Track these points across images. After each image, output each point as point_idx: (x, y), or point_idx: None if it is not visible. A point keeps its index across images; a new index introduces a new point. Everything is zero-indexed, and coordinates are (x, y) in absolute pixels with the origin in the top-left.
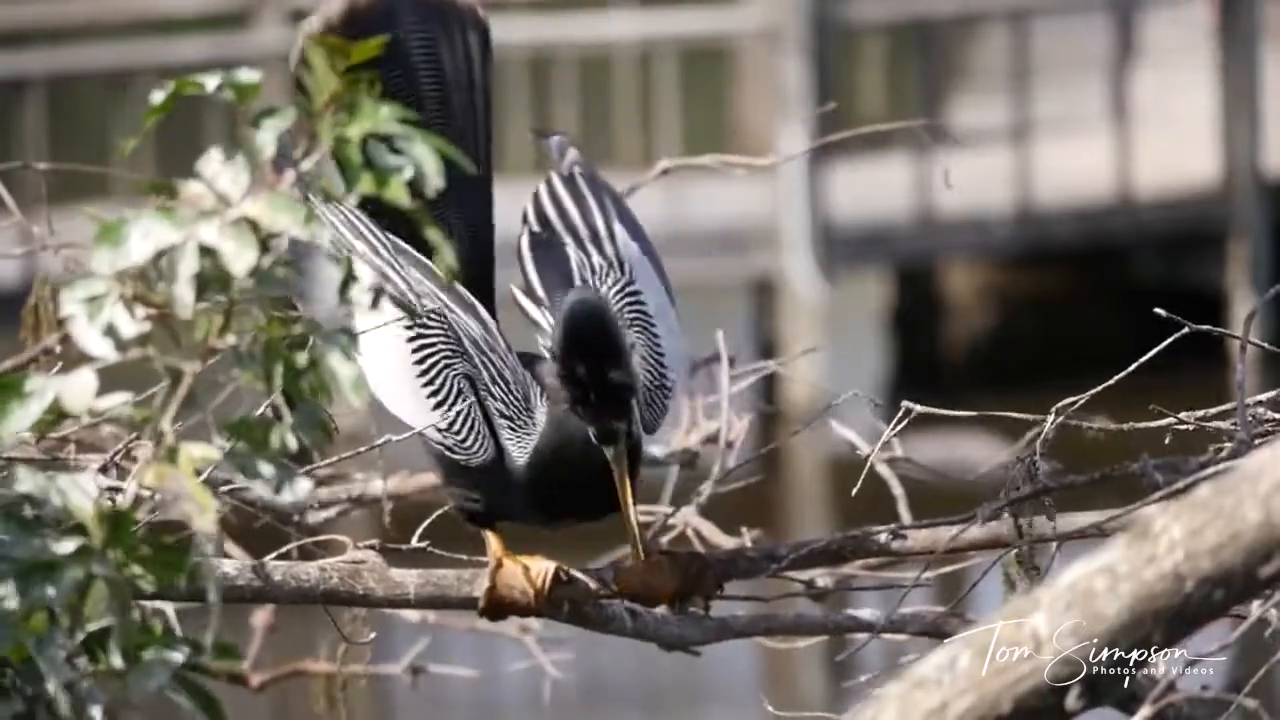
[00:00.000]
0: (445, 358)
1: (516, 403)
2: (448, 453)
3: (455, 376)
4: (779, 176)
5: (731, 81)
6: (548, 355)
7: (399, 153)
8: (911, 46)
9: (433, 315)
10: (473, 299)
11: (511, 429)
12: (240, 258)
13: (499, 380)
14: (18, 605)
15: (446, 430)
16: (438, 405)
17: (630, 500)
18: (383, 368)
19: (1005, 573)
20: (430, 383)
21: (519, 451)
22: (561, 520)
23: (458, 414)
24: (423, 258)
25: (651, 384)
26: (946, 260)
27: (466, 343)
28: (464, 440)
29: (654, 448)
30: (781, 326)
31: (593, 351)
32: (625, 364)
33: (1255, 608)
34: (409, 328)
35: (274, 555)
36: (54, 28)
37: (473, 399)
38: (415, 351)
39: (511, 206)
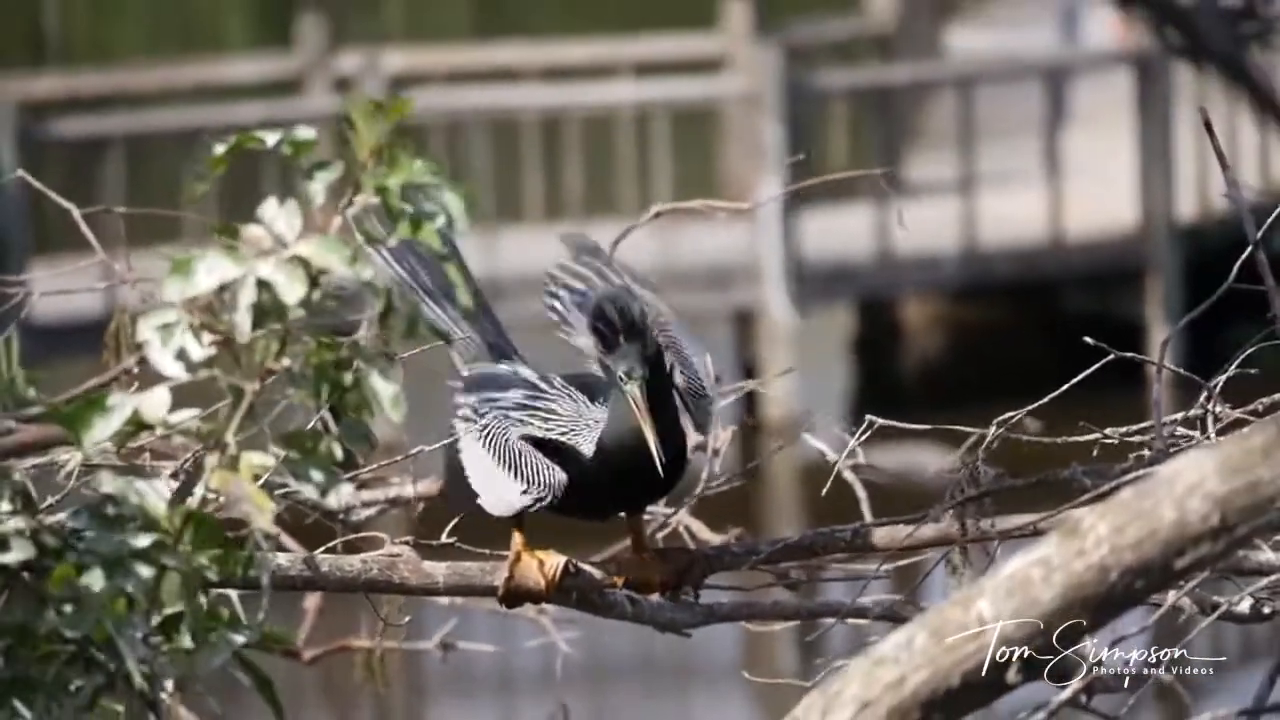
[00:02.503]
0: (502, 435)
1: (571, 419)
2: (540, 505)
3: (513, 445)
4: (758, 221)
5: (717, 139)
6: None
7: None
8: (872, 110)
9: (484, 418)
10: (514, 371)
11: (575, 435)
12: (291, 291)
13: (551, 415)
14: (101, 592)
15: (529, 489)
16: (515, 481)
17: (649, 426)
18: (484, 483)
19: (950, 564)
20: (505, 465)
21: (588, 448)
22: (624, 497)
23: (526, 471)
24: (481, 372)
25: (691, 391)
26: (903, 294)
27: (513, 413)
28: (540, 486)
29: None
30: (760, 351)
31: (616, 304)
32: (643, 314)
33: (1171, 595)
34: (481, 446)
35: (322, 549)
36: (132, 93)
37: (530, 450)
38: (488, 452)
39: (528, 248)
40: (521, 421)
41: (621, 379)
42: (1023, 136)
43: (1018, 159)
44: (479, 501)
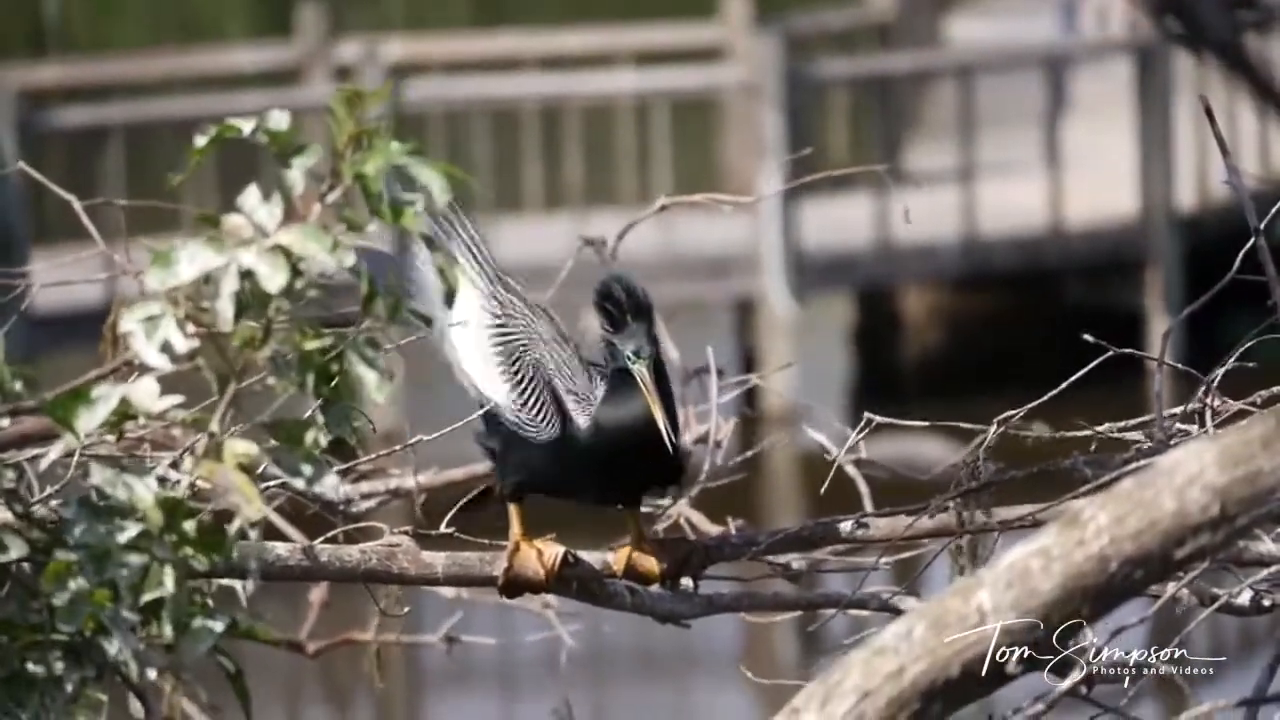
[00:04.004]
0: (521, 346)
1: (578, 383)
2: (520, 429)
3: (528, 363)
4: (758, 212)
5: (717, 129)
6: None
7: (414, 185)
8: (872, 99)
9: (514, 317)
10: (545, 308)
11: (575, 401)
12: (273, 279)
13: (565, 366)
14: (90, 584)
15: (520, 408)
16: (513, 385)
17: (658, 405)
18: (472, 353)
19: (953, 556)
20: (508, 366)
21: (584, 419)
22: (615, 481)
23: (528, 394)
24: (513, 283)
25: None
26: (902, 284)
27: (539, 340)
28: (535, 416)
29: None
30: (759, 341)
31: (622, 283)
32: (648, 295)
33: (1171, 587)
34: (497, 323)
35: (321, 540)
36: (132, 83)
37: (540, 380)
38: (498, 340)
39: (528, 238)
40: (542, 348)
41: (630, 358)
42: (1022, 126)
43: (1017, 149)
44: (456, 354)
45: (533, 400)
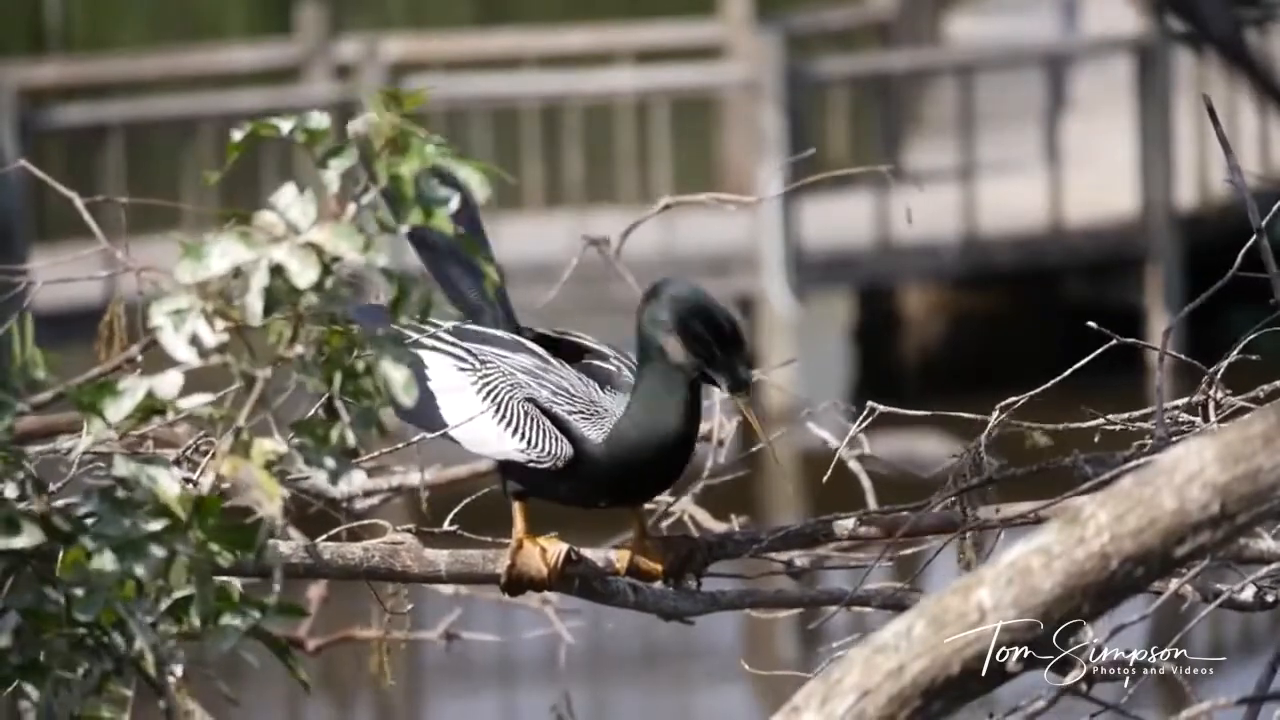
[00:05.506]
0: (506, 392)
1: (581, 401)
2: (534, 465)
3: (518, 403)
4: (759, 210)
5: (717, 127)
6: (604, 355)
7: (447, 184)
8: (872, 97)
9: (489, 365)
10: (520, 339)
11: (584, 419)
12: (304, 275)
13: (560, 391)
14: (111, 575)
15: (527, 449)
16: (513, 432)
17: (763, 433)
18: (462, 418)
19: (960, 553)
20: (501, 416)
21: (597, 434)
22: (624, 491)
23: (531, 432)
24: (481, 330)
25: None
26: (903, 282)
27: (521, 376)
28: (543, 450)
29: None
30: (760, 339)
31: (720, 310)
32: (738, 324)
33: (1172, 584)
34: (474, 384)
35: (324, 537)
36: (132, 81)
37: (538, 413)
38: (483, 398)
39: (528, 236)
40: (528, 385)
41: (733, 390)
42: (1023, 124)
43: (1018, 147)
44: (451, 433)
45: (538, 437)
